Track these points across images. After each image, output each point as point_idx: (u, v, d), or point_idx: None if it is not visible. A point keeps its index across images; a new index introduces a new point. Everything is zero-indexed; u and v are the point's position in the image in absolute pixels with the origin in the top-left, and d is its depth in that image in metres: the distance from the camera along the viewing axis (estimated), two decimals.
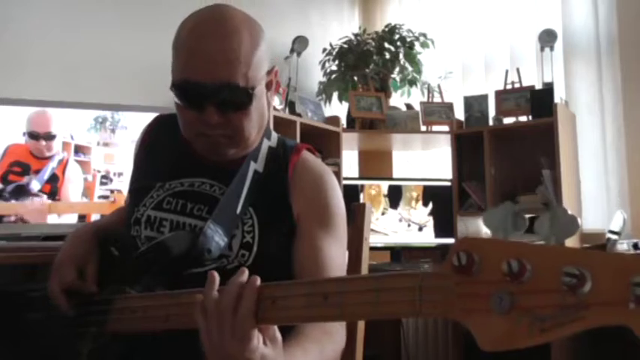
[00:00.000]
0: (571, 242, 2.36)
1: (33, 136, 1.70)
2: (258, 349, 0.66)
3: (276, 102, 2.54)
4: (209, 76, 0.88)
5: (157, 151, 1.09)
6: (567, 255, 0.46)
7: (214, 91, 0.89)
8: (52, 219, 1.71)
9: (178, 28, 0.94)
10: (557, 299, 0.45)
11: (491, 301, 0.48)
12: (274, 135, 1.09)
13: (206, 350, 0.68)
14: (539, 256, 0.47)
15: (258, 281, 0.67)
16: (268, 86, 1.00)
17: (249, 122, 0.94)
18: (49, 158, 1.72)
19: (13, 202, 1.67)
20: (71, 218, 1.74)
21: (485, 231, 2.46)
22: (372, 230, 2.66)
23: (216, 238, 0.90)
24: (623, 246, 2.25)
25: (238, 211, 0.94)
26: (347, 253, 1.08)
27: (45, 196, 1.70)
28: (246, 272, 0.69)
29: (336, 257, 0.97)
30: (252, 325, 0.65)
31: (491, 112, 2.77)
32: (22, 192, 1.68)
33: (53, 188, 1.71)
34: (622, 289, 0.42)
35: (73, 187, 1.74)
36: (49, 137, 1.71)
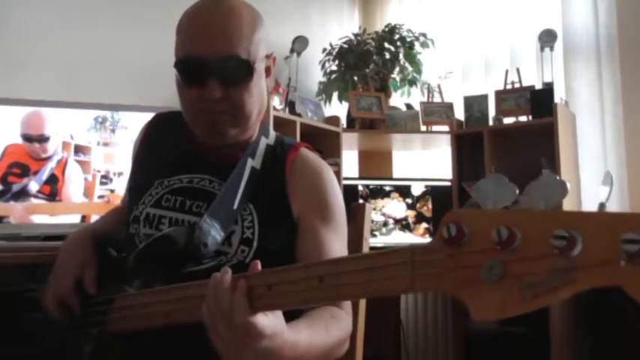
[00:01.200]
0: None
1: (27, 138, 1.69)
2: (265, 331, 0.66)
3: (276, 102, 2.54)
4: (211, 50, 0.90)
5: (156, 148, 1.09)
6: (557, 218, 0.45)
7: (216, 65, 0.91)
8: (52, 219, 1.71)
9: (180, 18, 0.97)
10: (549, 264, 0.44)
11: (482, 271, 0.47)
12: (272, 133, 1.09)
13: (220, 349, 0.69)
14: (528, 222, 0.46)
15: (259, 266, 0.69)
16: (267, 72, 1.02)
17: (250, 98, 0.95)
18: (47, 159, 1.71)
19: (12, 203, 1.66)
20: (72, 218, 1.74)
21: None
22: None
23: (213, 232, 0.90)
24: None
25: (235, 206, 0.94)
26: (347, 248, 1.08)
27: (45, 198, 1.69)
28: (229, 273, 0.69)
29: (338, 251, 0.98)
30: (247, 319, 0.65)
31: (492, 112, 2.77)
32: (21, 193, 1.67)
33: (53, 189, 1.71)
34: (613, 248, 0.41)
35: (73, 187, 1.73)
36: (43, 140, 1.70)
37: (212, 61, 0.90)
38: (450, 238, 0.50)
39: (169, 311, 0.77)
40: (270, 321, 0.67)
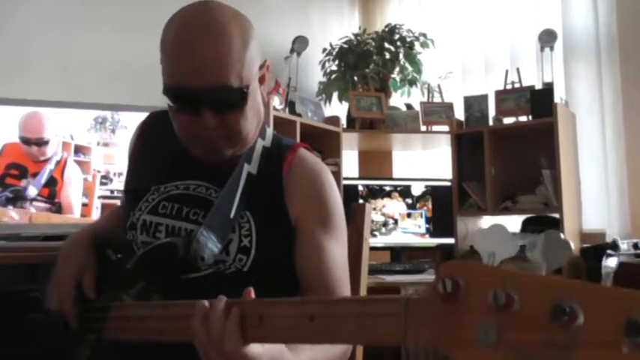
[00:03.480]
0: (571, 240, 2.35)
1: (25, 141, 1.68)
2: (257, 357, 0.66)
3: (276, 102, 2.53)
4: (202, 80, 0.86)
5: (152, 150, 1.07)
6: (558, 287, 0.42)
7: (209, 95, 0.87)
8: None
9: (164, 28, 0.91)
10: (546, 336, 0.42)
11: (477, 333, 0.46)
12: (269, 134, 1.06)
13: None
14: (527, 287, 0.44)
15: (237, 313, 0.67)
16: (261, 80, 0.98)
17: (246, 121, 0.93)
18: (46, 160, 1.70)
19: (9, 208, 1.65)
20: (73, 218, 1.73)
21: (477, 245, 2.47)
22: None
23: (210, 244, 0.88)
24: (624, 246, 2.25)
25: (232, 215, 0.92)
26: (347, 253, 1.07)
27: (43, 201, 1.68)
28: (222, 304, 0.68)
29: (337, 257, 0.96)
30: (239, 349, 0.65)
31: (492, 112, 2.77)
32: (19, 198, 1.65)
33: (52, 192, 1.69)
34: (615, 329, 0.39)
35: (72, 189, 1.72)
36: (42, 143, 1.69)
37: (204, 92, 0.86)
38: (445, 293, 0.48)
39: (165, 329, 0.76)
40: (266, 349, 0.67)
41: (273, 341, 0.67)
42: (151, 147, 1.08)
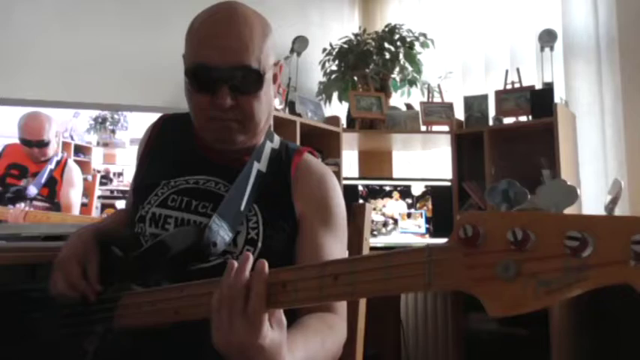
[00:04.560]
0: None
1: (26, 143, 1.69)
2: (267, 335, 0.66)
3: (276, 102, 2.53)
4: (223, 59, 0.91)
5: (162, 149, 1.10)
6: (569, 221, 0.47)
7: (228, 74, 0.92)
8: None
9: (191, 22, 0.98)
10: (561, 263, 0.46)
11: (497, 269, 0.49)
12: (276, 138, 1.12)
13: (215, 338, 0.67)
14: (541, 223, 0.48)
15: (266, 266, 0.68)
16: (274, 79, 1.04)
17: (260, 106, 0.97)
18: (46, 161, 1.71)
19: (10, 207, 1.65)
20: (72, 217, 1.73)
21: None
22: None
23: (222, 232, 0.91)
24: None
25: (242, 207, 0.95)
26: (347, 253, 1.09)
27: (43, 200, 1.68)
28: (251, 258, 0.69)
29: (337, 255, 0.98)
30: (263, 309, 0.65)
31: (492, 112, 2.77)
32: (19, 197, 1.66)
33: (51, 192, 1.70)
34: (623, 249, 0.43)
35: (72, 189, 1.72)
36: (42, 145, 1.70)
37: (223, 70, 0.91)
38: (466, 238, 0.52)
39: (181, 307, 0.77)
40: (272, 332, 0.67)
41: (298, 304, 0.68)
42: (162, 146, 1.11)
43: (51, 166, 1.70)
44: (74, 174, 1.73)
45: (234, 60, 0.92)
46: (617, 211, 2.48)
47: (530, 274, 0.48)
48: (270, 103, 1.03)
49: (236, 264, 0.69)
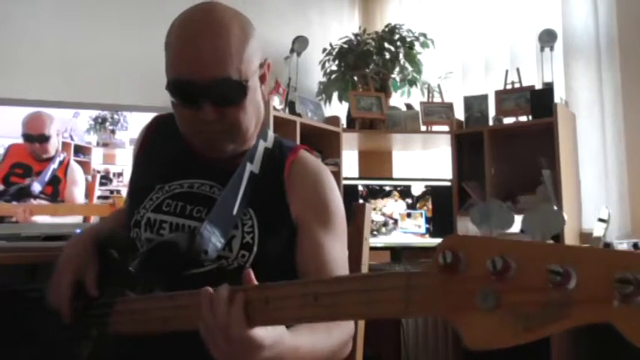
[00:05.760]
0: (571, 240, 2.35)
1: (27, 138, 1.70)
2: (264, 339, 0.67)
3: (276, 102, 2.53)
4: (201, 73, 0.88)
5: (156, 151, 1.09)
6: (551, 251, 0.45)
7: (208, 88, 0.89)
8: (53, 219, 1.71)
9: (169, 28, 0.95)
10: (542, 296, 0.45)
11: (476, 298, 0.48)
12: (270, 135, 1.09)
13: (215, 356, 0.70)
14: (523, 253, 0.47)
15: (253, 279, 0.69)
16: (262, 79, 1.00)
17: (246, 115, 0.94)
18: (49, 160, 1.71)
19: (14, 203, 1.66)
20: (73, 218, 1.74)
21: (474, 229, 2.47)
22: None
23: (213, 239, 0.90)
24: (623, 245, 2.25)
25: (235, 211, 0.94)
26: (347, 252, 1.08)
27: (47, 199, 1.69)
28: (227, 290, 0.69)
29: (338, 255, 0.98)
30: (244, 332, 0.66)
31: (491, 112, 2.77)
32: (23, 194, 1.67)
33: (55, 190, 1.71)
34: (606, 286, 0.42)
35: (75, 188, 1.73)
36: (43, 139, 1.70)
37: (203, 84, 0.88)
38: (445, 264, 0.50)
39: (169, 317, 0.77)
40: (269, 331, 0.68)
41: (280, 323, 0.69)
42: (156, 148, 1.09)
43: (54, 165, 1.71)
44: (77, 173, 1.74)
45: (213, 73, 0.88)
46: (617, 212, 2.48)
47: (509, 305, 0.46)
48: (259, 108, 1.00)
49: (211, 297, 0.69)
